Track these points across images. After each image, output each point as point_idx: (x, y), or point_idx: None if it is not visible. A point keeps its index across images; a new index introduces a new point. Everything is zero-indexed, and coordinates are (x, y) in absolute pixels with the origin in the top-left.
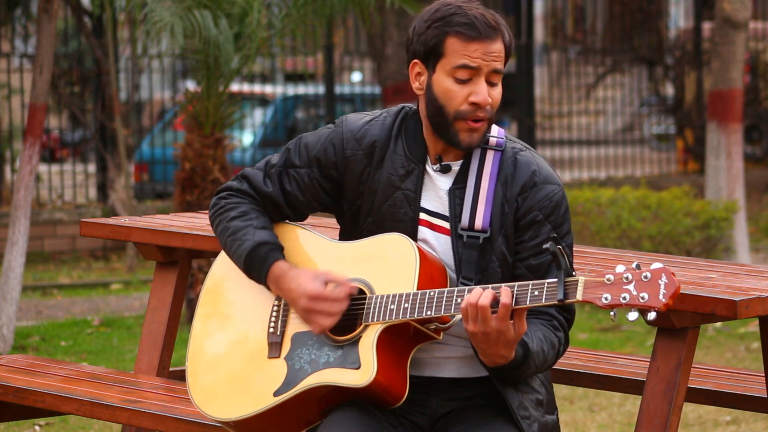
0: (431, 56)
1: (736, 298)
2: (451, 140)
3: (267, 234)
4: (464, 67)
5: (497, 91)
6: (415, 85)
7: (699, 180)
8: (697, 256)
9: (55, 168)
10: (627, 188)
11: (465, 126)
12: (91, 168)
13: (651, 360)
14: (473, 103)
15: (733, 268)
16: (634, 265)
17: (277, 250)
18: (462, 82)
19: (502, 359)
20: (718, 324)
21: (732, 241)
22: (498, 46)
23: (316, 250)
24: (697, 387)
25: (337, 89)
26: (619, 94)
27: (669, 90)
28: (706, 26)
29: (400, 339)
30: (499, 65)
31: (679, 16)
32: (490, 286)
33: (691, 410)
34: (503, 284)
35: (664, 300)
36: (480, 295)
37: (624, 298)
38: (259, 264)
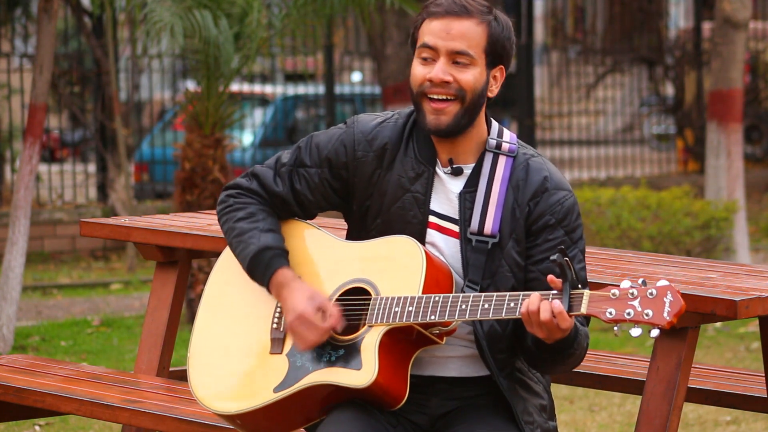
0: (413, 44)
1: (736, 298)
2: (422, 124)
3: (272, 238)
4: (424, 46)
5: (466, 74)
6: None
7: (699, 180)
8: (697, 256)
9: (55, 168)
10: (627, 188)
11: (429, 107)
12: (91, 168)
13: (651, 360)
14: (429, 80)
15: (733, 268)
16: (640, 281)
17: (281, 256)
18: (425, 61)
19: (562, 334)
20: (718, 324)
21: (732, 241)
22: (464, 26)
23: (322, 248)
24: (697, 387)
25: (337, 89)
26: (619, 94)
27: (669, 90)
28: (706, 26)
29: (402, 342)
30: (459, 46)
31: (679, 16)
32: (531, 293)
33: (691, 410)
34: (531, 293)
35: (668, 318)
36: (538, 305)
37: (628, 314)
38: (262, 269)
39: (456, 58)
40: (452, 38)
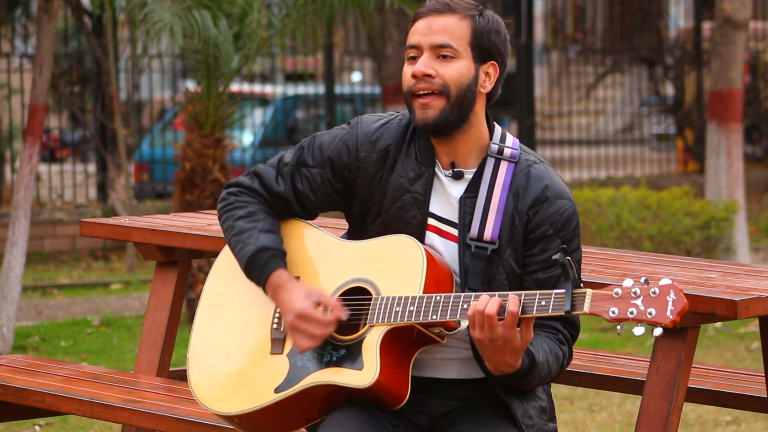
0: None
1: (736, 298)
2: (414, 123)
3: (270, 239)
4: (409, 46)
5: (449, 68)
6: None
7: (699, 180)
8: (697, 256)
9: (55, 168)
10: (627, 188)
11: (417, 103)
12: (91, 168)
13: (651, 360)
14: (412, 75)
15: (733, 268)
16: (642, 279)
17: (278, 257)
18: (412, 60)
19: (509, 367)
20: (718, 324)
21: (732, 241)
22: (446, 21)
23: (322, 248)
24: (697, 387)
25: (337, 89)
26: (619, 94)
27: (669, 90)
28: (706, 26)
29: (403, 341)
30: (440, 39)
31: (679, 16)
32: (497, 293)
33: (691, 410)
34: (510, 292)
35: (671, 317)
36: (487, 302)
37: (631, 313)
38: (259, 269)
39: (440, 52)
40: (433, 33)
